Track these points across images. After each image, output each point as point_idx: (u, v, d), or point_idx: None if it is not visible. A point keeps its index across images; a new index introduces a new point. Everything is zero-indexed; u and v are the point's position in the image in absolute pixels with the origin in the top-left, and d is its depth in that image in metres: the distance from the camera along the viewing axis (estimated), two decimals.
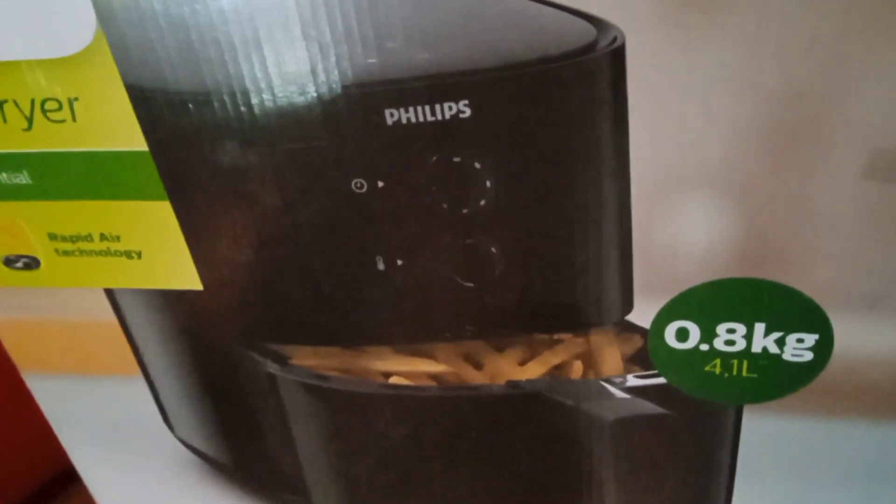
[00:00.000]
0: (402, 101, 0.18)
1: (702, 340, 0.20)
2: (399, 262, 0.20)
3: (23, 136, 0.20)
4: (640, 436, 0.22)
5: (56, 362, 0.26)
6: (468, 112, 0.18)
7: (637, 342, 0.21)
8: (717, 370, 0.20)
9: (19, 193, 0.21)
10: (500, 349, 0.23)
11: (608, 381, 0.22)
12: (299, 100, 0.18)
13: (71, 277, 0.23)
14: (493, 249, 0.20)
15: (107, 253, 0.22)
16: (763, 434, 0.21)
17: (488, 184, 0.19)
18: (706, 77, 0.16)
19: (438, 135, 0.18)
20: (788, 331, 0.19)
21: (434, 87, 0.17)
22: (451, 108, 0.18)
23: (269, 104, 0.18)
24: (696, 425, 0.22)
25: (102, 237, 0.21)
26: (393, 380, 0.23)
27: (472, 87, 0.17)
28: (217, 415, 0.26)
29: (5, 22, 0.18)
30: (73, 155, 0.20)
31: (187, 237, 0.21)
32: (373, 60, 0.17)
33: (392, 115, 0.18)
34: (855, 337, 0.19)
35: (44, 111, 0.19)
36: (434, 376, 0.23)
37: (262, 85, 0.18)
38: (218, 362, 0.24)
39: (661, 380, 0.21)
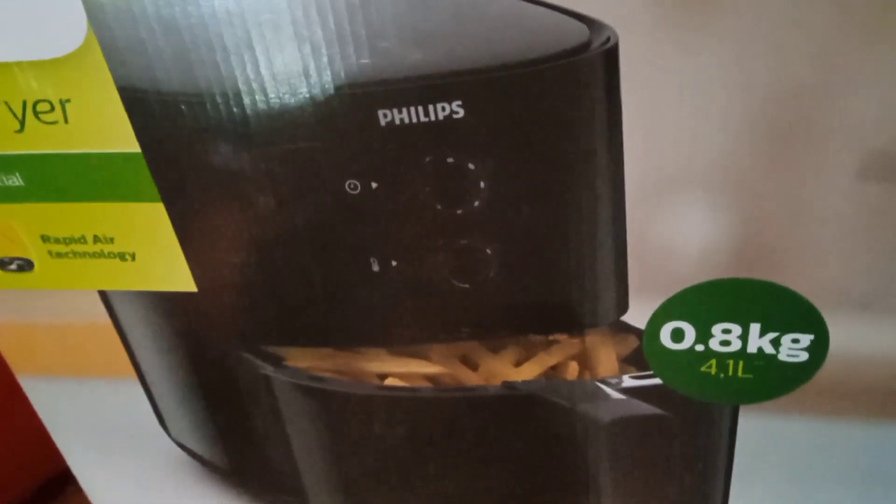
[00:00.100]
0: (395, 102, 0.18)
1: (697, 341, 0.20)
2: (393, 264, 0.20)
3: (15, 138, 0.20)
4: (636, 436, 0.22)
5: (51, 364, 0.26)
6: (461, 113, 0.18)
7: (632, 343, 0.21)
8: (713, 371, 0.20)
9: (12, 195, 0.21)
10: (495, 350, 0.23)
11: (604, 381, 0.22)
12: (292, 101, 0.18)
13: (65, 279, 0.23)
14: (488, 250, 0.20)
15: (100, 255, 0.22)
16: (759, 434, 0.21)
17: (482, 185, 0.19)
18: (700, 77, 0.16)
19: (432, 135, 0.18)
20: (784, 331, 0.19)
21: (427, 87, 0.17)
22: (444, 109, 0.18)
23: (261, 105, 0.18)
24: (691, 426, 0.22)
25: (96, 239, 0.21)
26: (388, 381, 0.23)
27: (466, 88, 0.17)
28: (212, 416, 0.26)
29: None
30: (65, 156, 0.20)
31: (181, 239, 0.21)
32: (365, 61, 0.17)
33: (385, 115, 0.18)
34: (850, 337, 0.19)
35: (36, 113, 0.19)
36: (429, 377, 0.23)
37: (255, 86, 0.18)
38: (212, 364, 0.24)
39: (657, 380, 0.21)
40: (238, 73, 0.17)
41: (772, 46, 0.16)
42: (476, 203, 0.19)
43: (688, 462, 0.23)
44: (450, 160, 0.18)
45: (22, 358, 0.26)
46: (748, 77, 0.16)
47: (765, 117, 0.16)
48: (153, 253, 0.21)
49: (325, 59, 0.17)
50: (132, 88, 0.18)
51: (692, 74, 0.16)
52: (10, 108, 0.19)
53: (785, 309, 0.19)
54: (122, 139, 0.19)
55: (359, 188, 0.19)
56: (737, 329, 0.19)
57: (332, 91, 0.18)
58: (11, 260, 0.22)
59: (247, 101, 0.18)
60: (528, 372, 0.23)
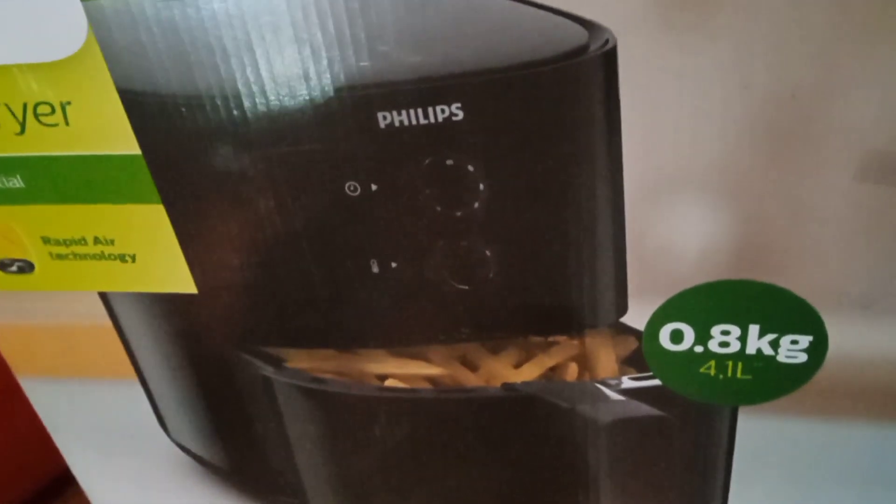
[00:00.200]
0: (394, 104, 0.18)
1: (696, 342, 0.20)
2: (393, 265, 0.20)
3: (16, 140, 0.20)
4: (636, 438, 0.22)
5: (51, 366, 0.26)
6: (461, 115, 0.18)
7: (632, 344, 0.21)
8: (712, 372, 0.20)
9: (13, 197, 0.21)
10: (495, 351, 0.23)
11: (603, 383, 0.22)
12: (292, 103, 0.18)
13: (65, 281, 0.23)
14: (487, 252, 0.20)
15: (101, 256, 0.22)
16: (758, 435, 0.21)
17: (481, 186, 0.19)
18: (699, 78, 0.16)
19: (431, 137, 0.18)
20: (783, 332, 0.19)
21: (427, 89, 0.17)
22: (443, 111, 0.18)
23: (261, 108, 0.18)
24: (691, 427, 0.22)
25: (96, 241, 0.21)
26: (388, 382, 0.23)
27: (465, 90, 0.17)
28: (213, 418, 0.26)
29: None
30: (66, 158, 0.20)
31: (181, 240, 0.21)
32: (365, 63, 0.17)
33: (385, 117, 0.18)
34: (849, 338, 0.19)
35: (36, 115, 0.19)
36: (429, 379, 0.23)
37: (255, 88, 0.18)
38: (213, 365, 0.24)
39: (656, 382, 0.21)
40: (238, 75, 0.18)
41: (771, 46, 0.16)
42: (475, 205, 0.19)
43: (687, 463, 0.23)
44: (449, 162, 0.18)
45: (22, 359, 0.26)
46: (747, 77, 0.16)
47: (764, 118, 0.16)
48: (153, 254, 0.21)
49: (324, 62, 0.17)
50: (132, 91, 0.18)
51: (691, 75, 0.16)
52: (11, 111, 0.19)
53: (784, 310, 0.19)
54: (123, 141, 0.19)
55: (359, 190, 0.19)
56: (736, 330, 0.19)
57: (331, 93, 0.18)
58: (12, 261, 0.22)
59: (247, 103, 0.18)
60: (528, 373, 0.23)
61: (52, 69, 0.18)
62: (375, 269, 0.20)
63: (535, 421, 0.23)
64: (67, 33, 0.17)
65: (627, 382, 0.22)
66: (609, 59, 0.16)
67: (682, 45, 0.16)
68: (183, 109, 0.18)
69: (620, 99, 0.17)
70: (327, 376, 0.24)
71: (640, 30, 0.16)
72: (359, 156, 0.18)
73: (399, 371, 0.23)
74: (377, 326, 0.22)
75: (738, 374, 0.20)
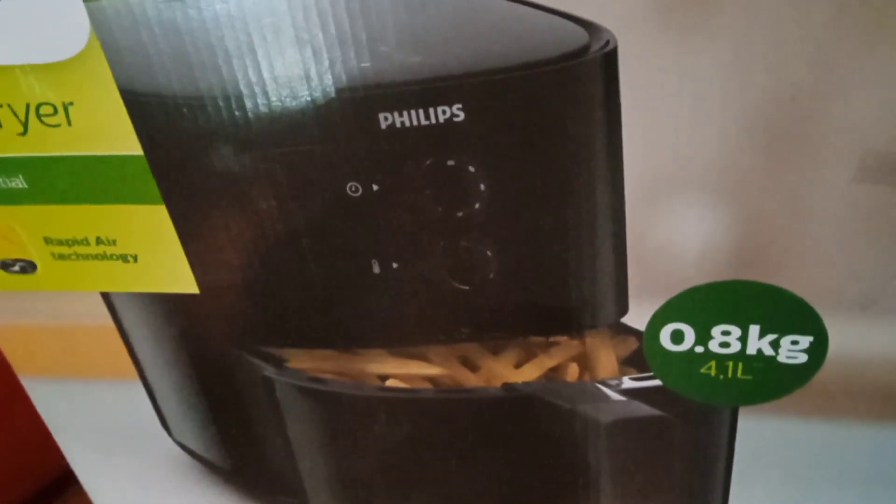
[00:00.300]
0: (396, 105, 0.18)
1: (696, 342, 0.20)
2: (394, 265, 0.20)
3: (18, 141, 0.20)
4: (636, 438, 0.22)
5: (53, 366, 0.26)
6: (462, 116, 0.18)
7: (632, 344, 0.21)
8: (712, 372, 0.20)
9: (15, 198, 0.21)
10: (495, 351, 0.23)
11: (603, 383, 0.22)
12: (293, 104, 0.18)
13: (67, 281, 0.23)
14: (488, 252, 0.20)
15: (103, 257, 0.22)
16: (759, 435, 0.21)
17: (482, 187, 0.19)
18: (699, 79, 0.16)
19: (432, 138, 0.18)
20: (783, 333, 0.19)
21: (428, 90, 0.17)
22: (444, 112, 0.18)
23: (263, 108, 0.18)
24: (691, 427, 0.22)
25: (98, 241, 0.21)
26: (389, 382, 0.23)
27: (466, 91, 0.17)
28: (214, 418, 0.26)
29: None
30: (68, 159, 0.20)
31: (183, 240, 0.21)
32: (366, 64, 0.17)
33: (386, 118, 0.18)
34: (849, 338, 0.19)
35: (39, 116, 0.19)
36: (430, 379, 0.23)
37: (256, 89, 0.18)
38: (214, 365, 0.24)
39: (657, 382, 0.21)
40: (240, 76, 0.18)
41: (770, 47, 0.16)
42: (476, 205, 0.19)
43: (688, 463, 0.23)
44: (450, 163, 0.18)
45: (24, 359, 0.26)
46: (747, 78, 0.16)
47: (763, 118, 0.17)
48: (155, 255, 0.21)
49: (326, 63, 0.17)
50: (134, 91, 0.18)
51: (691, 75, 0.16)
52: (14, 111, 0.19)
53: (784, 310, 0.19)
54: (125, 142, 0.19)
55: (360, 190, 0.19)
56: (736, 331, 0.19)
57: (332, 94, 0.18)
58: (14, 262, 0.22)
59: (248, 103, 0.18)
60: (528, 373, 0.23)
61: (55, 70, 0.18)
62: (376, 270, 0.20)
63: (535, 421, 0.23)
64: (70, 34, 0.18)
65: (628, 383, 0.22)
66: (610, 59, 0.16)
67: (682, 45, 0.16)
68: (185, 110, 0.18)
69: (621, 100, 0.17)
70: (328, 376, 0.24)
71: (640, 30, 0.16)
72: (360, 156, 0.19)
73: (399, 371, 0.23)
74: (378, 326, 0.22)
75: (739, 375, 0.20)
